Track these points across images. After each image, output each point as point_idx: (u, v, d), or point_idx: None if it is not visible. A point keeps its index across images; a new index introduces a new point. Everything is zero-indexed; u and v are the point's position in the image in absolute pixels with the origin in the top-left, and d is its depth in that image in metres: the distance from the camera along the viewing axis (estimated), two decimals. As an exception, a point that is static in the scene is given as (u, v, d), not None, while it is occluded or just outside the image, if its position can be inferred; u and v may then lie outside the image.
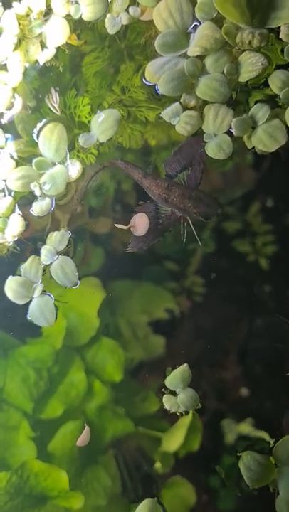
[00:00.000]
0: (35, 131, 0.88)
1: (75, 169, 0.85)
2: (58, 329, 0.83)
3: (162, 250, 0.85)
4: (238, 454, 0.73)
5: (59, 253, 0.84)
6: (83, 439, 0.77)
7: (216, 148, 0.81)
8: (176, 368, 0.77)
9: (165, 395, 0.78)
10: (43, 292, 0.83)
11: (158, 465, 0.78)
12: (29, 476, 0.74)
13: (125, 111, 0.89)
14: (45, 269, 0.84)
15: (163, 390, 0.78)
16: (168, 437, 0.78)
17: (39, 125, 0.88)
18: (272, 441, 0.75)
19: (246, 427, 0.77)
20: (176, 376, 0.77)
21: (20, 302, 0.83)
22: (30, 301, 0.82)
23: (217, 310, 0.81)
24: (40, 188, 0.84)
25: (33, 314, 0.82)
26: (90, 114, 0.89)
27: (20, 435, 0.78)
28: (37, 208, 0.85)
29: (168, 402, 0.77)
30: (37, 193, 0.85)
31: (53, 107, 0.88)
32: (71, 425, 0.79)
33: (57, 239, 0.84)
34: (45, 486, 0.74)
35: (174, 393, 0.77)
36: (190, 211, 0.80)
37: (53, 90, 0.89)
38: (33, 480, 0.74)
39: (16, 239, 0.85)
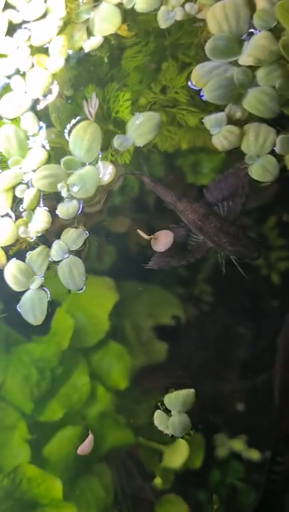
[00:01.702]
0: (68, 127, 0.84)
1: (107, 172, 0.81)
2: (65, 328, 0.81)
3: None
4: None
5: (71, 252, 0.80)
6: (85, 447, 0.75)
7: (260, 170, 0.76)
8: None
9: (158, 411, 0.75)
10: (41, 287, 0.80)
11: (158, 480, 0.75)
12: (22, 480, 0.72)
13: (163, 112, 0.85)
14: (50, 266, 0.81)
15: (159, 404, 0.75)
16: (171, 452, 0.76)
17: (72, 121, 0.84)
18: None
19: (239, 444, 0.75)
20: (178, 398, 0.74)
21: (16, 289, 0.80)
22: (26, 291, 0.79)
23: (224, 321, 0.78)
24: (68, 190, 0.80)
25: (23, 306, 0.79)
26: (129, 112, 0.85)
27: (16, 436, 0.76)
28: (63, 210, 0.81)
29: (158, 419, 0.74)
30: (64, 194, 0.81)
31: (89, 112, 0.83)
32: (70, 430, 0.77)
33: (72, 237, 0.80)
34: (38, 492, 0.73)
35: (168, 412, 0.75)
36: (224, 247, 0.75)
37: (94, 95, 0.84)
38: (26, 485, 0.72)
39: (39, 235, 0.82)
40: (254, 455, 0.74)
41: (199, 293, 0.80)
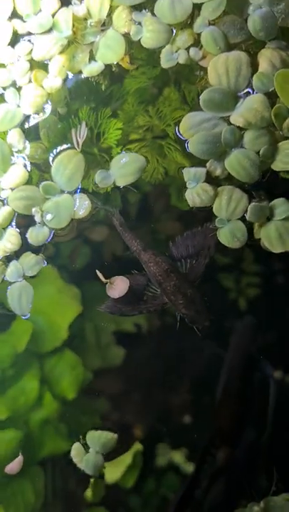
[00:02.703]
0: (53, 153, 0.84)
1: (83, 206, 0.81)
2: (23, 331, 0.82)
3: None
4: None
5: (25, 277, 0.81)
6: (13, 467, 0.77)
7: (229, 235, 0.78)
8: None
9: (77, 443, 0.77)
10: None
11: (89, 493, 0.77)
12: None
13: (151, 142, 0.86)
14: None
15: (81, 438, 0.77)
16: (105, 470, 0.78)
17: (59, 147, 0.85)
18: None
19: (179, 456, 0.78)
20: (101, 438, 0.76)
21: None
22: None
23: (183, 336, 0.80)
24: (42, 216, 0.81)
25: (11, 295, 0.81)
26: (117, 142, 0.85)
27: None
28: (32, 236, 0.82)
29: (75, 451, 0.77)
30: (37, 219, 0.81)
31: (76, 141, 0.83)
32: (11, 433, 0.79)
33: (31, 262, 0.81)
34: None
35: (86, 447, 0.77)
36: (179, 308, 0.77)
37: (83, 125, 0.84)
38: None
39: (7, 254, 0.82)
40: (191, 469, 0.77)
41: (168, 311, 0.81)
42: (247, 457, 0.76)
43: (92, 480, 0.76)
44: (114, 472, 0.77)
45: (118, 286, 0.78)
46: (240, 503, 0.73)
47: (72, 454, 0.76)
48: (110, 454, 0.77)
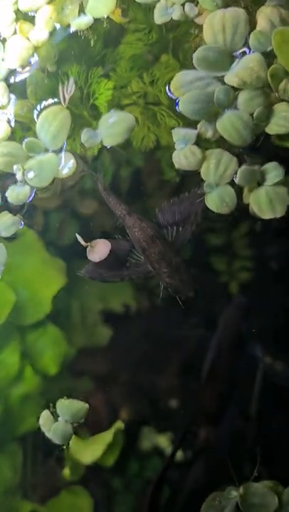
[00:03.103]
0: (38, 108, 0.80)
1: (67, 165, 0.77)
2: (4, 302, 0.79)
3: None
4: None
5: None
6: None
7: (218, 200, 0.74)
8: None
9: (46, 411, 0.74)
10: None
11: (66, 472, 0.75)
12: None
13: (144, 108, 0.82)
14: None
15: (51, 405, 0.74)
16: (85, 446, 0.75)
17: (46, 101, 0.81)
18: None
19: (164, 441, 0.75)
20: (71, 407, 0.73)
21: None
22: None
23: (173, 318, 0.77)
24: (23, 174, 0.77)
25: None
26: (107, 103, 0.81)
27: None
28: (13, 195, 0.78)
29: (43, 419, 0.74)
30: (18, 177, 0.77)
31: (63, 97, 0.79)
32: None
33: (7, 223, 0.78)
34: None
35: (56, 415, 0.74)
36: (162, 277, 0.73)
37: (71, 80, 0.80)
38: None
39: None
40: (177, 454, 0.74)
41: (155, 286, 0.78)
42: (230, 439, 0.74)
43: (67, 455, 0.74)
44: (94, 450, 0.74)
45: (99, 249, 0.75)
46: (220, 485, 0.69)
47: (41, 422, 0.73)
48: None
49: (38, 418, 0.74)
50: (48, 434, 0.73)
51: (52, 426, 0.73)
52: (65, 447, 0.74)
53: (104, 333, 0.79)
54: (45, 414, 0.74)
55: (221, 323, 0.76)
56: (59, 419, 0.73)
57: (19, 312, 0.79)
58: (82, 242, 0.76)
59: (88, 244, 0.76)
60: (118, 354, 0.78)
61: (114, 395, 0.78)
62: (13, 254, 0.80)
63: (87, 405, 0.73)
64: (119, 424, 0.75)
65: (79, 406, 0.73)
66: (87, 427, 0.75)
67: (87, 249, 0.76)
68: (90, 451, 0.74)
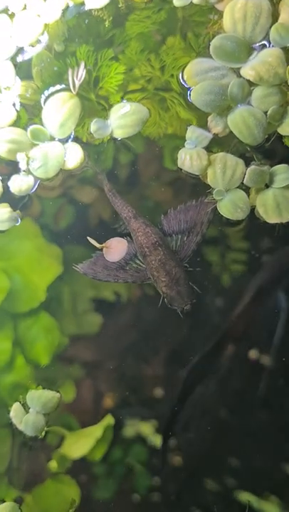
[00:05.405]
0: (45, 93, 0.77)
1: (74, 157, 0.73)
2: None
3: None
4: None
5: None
6: None
7: (231, 206, 0.70)
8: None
9: (17, 403, 0.72)
10: None
11: (53, 464, 0.74)
12: None
13: (154, 94, 0.78)
14: None
15: (21, 397, 0.73)
16: (72, 441, 0.74)
17: (53, 87, 0.77)
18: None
19: (148, 428, 0.74)
20: (41, 398, 0.71)
21: None
22: None
23: (163, 309, 0.74)
24: (28, 163, 0.73)
25: None
26: (117, 88, 0.78)
27: None
28: (15, 186, 0.74)
29: (15, 411, 0.72)
30: (22, 166, 0.73)
31: (73, 83, 0.74)
32: None
33: (3, 217, 0.75)
34: None
35: (26, 407, 0.72)
36: (160, 286, 0.71)
37: (82, 65, 0.75)
38: None
39: None
40: (158, 442, 0.73)
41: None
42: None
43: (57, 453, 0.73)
44: (83, 445, 0.72)
45: (116, 248, 0.72)
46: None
47: (12, 414, 0.72)
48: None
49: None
50: (20, 427, 0.72)
51: (23, 418, 0.71)
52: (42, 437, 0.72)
53: (94, 321, 0.77)
54: (16, 407, 0.72)
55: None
56: (30, 410, 0.72)
57: (13, 299, 0.77)
58: (97, 244, 0.73)
59: (103, 245, 0.73)
60: (107, 341, 0.76)
61: (102, 381, 0.76)
62: (9, 240, 0.77)
63: (58, 394, 0.71)
64: (110, 420, 0.73)
65: (50, 396, 0.71)
66: (74, 413, 0.74)
67: (104, 250, 0.73)
68: (78, 445, 0.73)
